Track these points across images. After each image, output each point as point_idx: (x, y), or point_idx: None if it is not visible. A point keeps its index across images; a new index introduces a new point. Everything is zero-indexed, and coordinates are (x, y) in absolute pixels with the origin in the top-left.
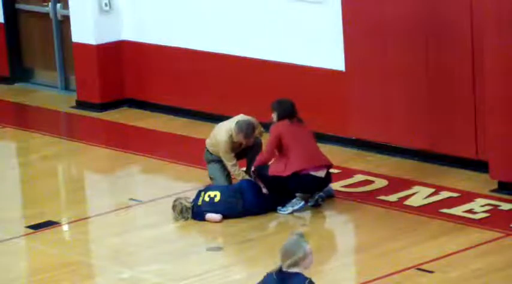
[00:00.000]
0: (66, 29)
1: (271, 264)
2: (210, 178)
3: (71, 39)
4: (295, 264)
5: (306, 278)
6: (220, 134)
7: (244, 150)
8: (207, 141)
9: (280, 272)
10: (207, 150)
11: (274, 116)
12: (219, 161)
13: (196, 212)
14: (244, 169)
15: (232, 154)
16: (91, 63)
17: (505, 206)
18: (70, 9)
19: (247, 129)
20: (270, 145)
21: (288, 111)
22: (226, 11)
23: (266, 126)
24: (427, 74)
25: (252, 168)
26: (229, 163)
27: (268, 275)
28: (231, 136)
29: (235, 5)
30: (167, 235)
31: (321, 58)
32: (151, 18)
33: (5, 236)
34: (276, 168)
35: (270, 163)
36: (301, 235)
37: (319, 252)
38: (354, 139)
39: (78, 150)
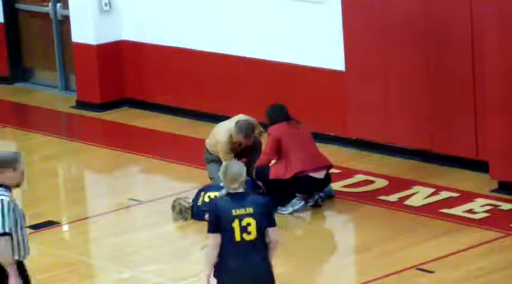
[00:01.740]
0: (66, 29)
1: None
2: (210, 178)
3: (71, 39)
4: (241, 185)
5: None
6: (220, 134)
7: (244, 150)
8: (207, 141)
9: (230, 194)
10: (207, 150)
11: (268, 122)
12: (219, 161)
13: (197, 212)
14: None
15: (232, 155)
16: (91, 63)
17: (505, 206)
18: (70, 9)
19: (247, 129)
20: (269, 147)
21: (280, 115)
22: (226, 11)
23: (265, 127)
24: (427, 74)
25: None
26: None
27: (218, 201)
28: (230, 136)
29: (235, 5)
30: (167, 235)
31: (321, 58)
32: (151, 18)
33: None
34: (277, 171)
35: (270, 165)
36: (236, 162)
37: (319, 252)
38: (354, 139)
39: (78, 150)
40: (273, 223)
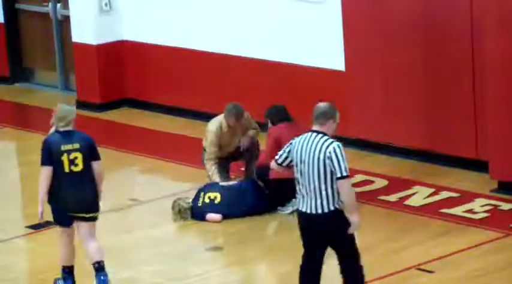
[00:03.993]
0: (66, 29)
1: (271, 264)
2: (210, 178)
3: (71, 39)
4: (69, 124)
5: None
6: (210, 124)
7: (242, 152)
8: (203, 141)
9: (59, 132)
10: (204, 150)
11: (268, 123)
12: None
13: (196, 212)
14: (241, 169)
15: (216, 149)
16: (91, 63)
17: (505, 206)
18: (70, 9)
19: (235, 108)
20: (269, 147)
21: (280, 116)
22: (226, 11)
23: (264, 127)
24: (427, 74)
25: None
26: (209, 155)
27: (49, 137)
28: (220, 127)
29: (235, 5)
30: (167, 235)
31: (321, 58)
32: (152, 18)
33: (5, 237)
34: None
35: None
36: (66, 105)
37: None
38: (354, 139)
39: None
40: (96, 157)
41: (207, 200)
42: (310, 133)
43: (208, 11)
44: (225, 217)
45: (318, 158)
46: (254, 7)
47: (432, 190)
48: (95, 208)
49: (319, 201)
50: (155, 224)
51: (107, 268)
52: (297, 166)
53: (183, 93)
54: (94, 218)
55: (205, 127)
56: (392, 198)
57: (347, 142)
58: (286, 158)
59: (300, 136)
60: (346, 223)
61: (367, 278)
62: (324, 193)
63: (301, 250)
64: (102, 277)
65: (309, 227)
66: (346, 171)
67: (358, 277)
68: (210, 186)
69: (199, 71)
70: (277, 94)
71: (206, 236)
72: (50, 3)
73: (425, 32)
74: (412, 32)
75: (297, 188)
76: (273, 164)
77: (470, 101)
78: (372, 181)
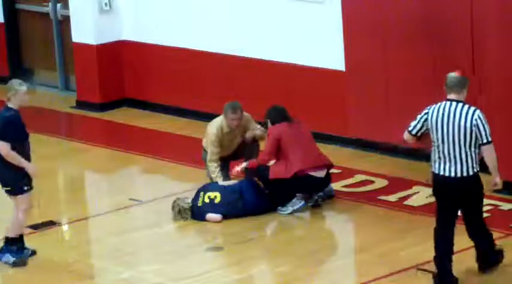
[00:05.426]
0: (66, 29)
1: (271, 264)
2: (210, 178)
3: (71, 39)
4: (8, 100)
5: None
6: (211, 125)
7: (242, 149)
8: (203, 141)
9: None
10: (204, 150)
11: (268, 123)
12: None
13: (197, 213)
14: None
15: (218, 149)
16: (91, 63)
17: (505, 206)
18: (70, 9)
19: (232, 104)
20: (269, 147)
21: (279, 116)
22: (226, 11)
23: (264, 126)
24: (427, 74)
25: (244, 164)
26: (211, 157)
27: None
28: (221, 128)
29: (235, 5)
30: (167, 235)
31: (321, 58)
32: (151, 18)
33: None
34: (277, 171)
35: (269, 164)
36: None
37: (319, 252)
38: (354, 139)
39: (78, 150)
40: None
41: (206, 200)
42: (447, 102)
43: (208, 11)
44: (225, 217)
45: (465, 126)
46: (254, 7)
47: None
48: (6, 183)
49: (459, 165)
50: (155, 224)
51: (108, 268)
52: (437, 133)
53: (183, 93)
54: (11, 193)
55: (205, 127)
56: (392, 198)
57: (347, 142)
58: (421, 128)
59: (437, 106)
60: (481, 187)
61: (367, 278)
62: (468, 157)
63: (301, 250)
64: (5, 253)
65: (449, 190)
66: (490, 136)
67: (490, 235)
68: (210, 186)
69: (199, 71)
70: (277, 95)
71: (206, 236)
72: (50, 3)
73: (426, 32)
74: (412, 31)
75: (437, 155)
76: (406, 135)
77: (470, 101)
78: (372, 181)
